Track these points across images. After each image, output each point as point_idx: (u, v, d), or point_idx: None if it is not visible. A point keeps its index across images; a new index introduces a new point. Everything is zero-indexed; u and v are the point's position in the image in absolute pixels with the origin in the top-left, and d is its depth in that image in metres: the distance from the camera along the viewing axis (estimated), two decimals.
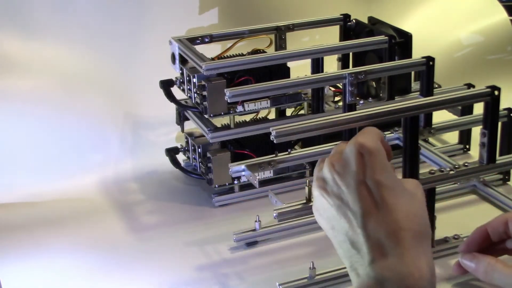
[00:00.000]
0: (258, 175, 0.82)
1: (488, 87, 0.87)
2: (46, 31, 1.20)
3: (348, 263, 0.60)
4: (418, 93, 1.02)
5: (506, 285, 0.63)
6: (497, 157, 0.90)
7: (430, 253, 0.59)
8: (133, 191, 1.06)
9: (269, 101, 1.00)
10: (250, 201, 1.01)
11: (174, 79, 1.04)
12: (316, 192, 0.64)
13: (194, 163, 1.04)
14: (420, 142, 0.93)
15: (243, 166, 0.83)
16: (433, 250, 0.84)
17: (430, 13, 1.46)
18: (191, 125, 1.06)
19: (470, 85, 1.12)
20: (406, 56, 1.07)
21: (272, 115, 1.08)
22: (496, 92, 0.86)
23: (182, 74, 1.03)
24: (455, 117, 1.09)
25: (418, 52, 1.05)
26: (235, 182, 1.01)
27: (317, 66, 1.05)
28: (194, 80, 0.98)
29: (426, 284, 0.56)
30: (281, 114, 1.08)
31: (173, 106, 1.06)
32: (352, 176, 0.60)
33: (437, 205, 0.87)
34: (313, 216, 0.90)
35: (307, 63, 1.07)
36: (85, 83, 1.20)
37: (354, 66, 1.13)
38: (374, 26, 1.13)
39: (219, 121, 1.00)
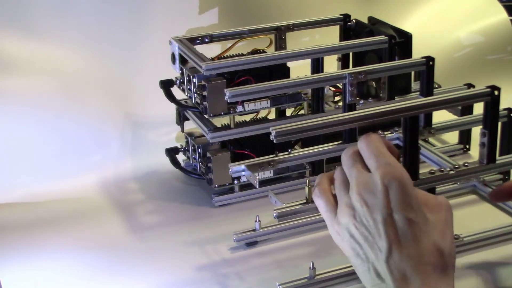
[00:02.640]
0: (258, 175, 0.82)
1: (488, 87, 0.87)
2: (46, 31, 1.20)
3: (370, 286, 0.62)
4: (418, 93, 1.02)
5: None
6: (497, 157, 0.90)
7: (452, 281, 0.60)
8: (133, 191, 1.06)
9: (269, 101, 1.00)
10: (250, 201, 1.01)
11: (174, 79, 1.04)
12: (344, 220, 0.64)
13: (194, 163, 1.04)
14: (420, 142, 0.93)
15: (243, 166, 0.83)
16: None
17: (430, 13, 1.46)
18: (191, 125, 1.06)
19: (470, 85, 1.12)
20: (406, 56, 1.07)
21: (272, 115, 1.08)
22: (496, 92, 0.86)
23: (182, 74, 1.03)
24: (455, 117, 1.09)
25: (418, 52, 1.05)
26: (235, 182, 1.01)
27: (317, 66, 1.05)
28: (194, 80, 0.98)
29: None
30: (281, 114, 1.08)
31: (173, 106, 1.06)
32: (380, 210, 0.61)
33: None
34: (313, 216, 0.91)
35: (307, 63, 1.06)
36: (85, 83, 1.20)
37: (354, 66, 1.13)
38: (374, 26, 1.13)
39: (219, 121, 1.00)
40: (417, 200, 0.62)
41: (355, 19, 1.15)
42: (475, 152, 1.04)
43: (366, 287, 0.63)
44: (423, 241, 0.60)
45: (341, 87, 0.98)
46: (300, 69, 1.10)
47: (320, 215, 0.87)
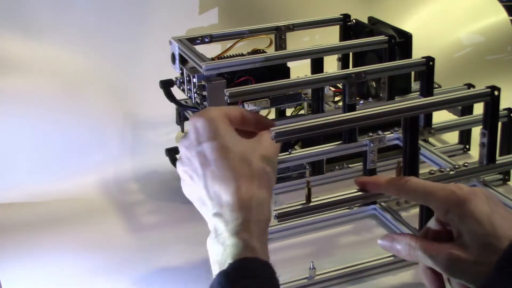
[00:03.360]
0: None
1: (488, 87, 0.87)
2: (46, 31, 1.20)
3: (207, 220, 0.67)
4: (418, 93, 1.02)
5: (432, 259, 0.64)
6: (497, 157, 0.90)
7: (265, 190, 0.66)
8: (133, 191, 1.06)
9: (269, 101, 1.00)
10: None
11: (174, 79, 1.04)
12: (179, 171, 0.71)
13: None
14: (420, 142, 0.93)
15: None
16: None
17: (430, 13, 1.46)
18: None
19: (470, 85, 1.12)
20: (406, 56, 1.07)
21: (272, 115, 1.08)
22: (496, 92, 0.86)
23: (182, 74, 1.03)
24: (455, 117, 1.09)
25: (418, 52, 1.05)
26: None
27: (317, 66, 1.05)
28: (194, 80, 0.98)
29: (251, 214, 0.64)
30: (281, 114, 1.08)
31: (173, 106, 1.06)
32: (193, 146, 0.69)
33: None
34: (313, 216, 0.91)
35: (307, 63, 1.07)
36: (85, 83, 1.20)
37: (354, 66, 1.13)
38: (374, 26, 1.13)
39: None
40: (226, 130, 0.68)
41: (355, 19, 1.15)
42: (475, 152, 1.04)
43: (205, 218, 0.68)
44: (230, 160, 0.66)
45: (341, 87, 0.98)
46: (300, 69, 1.10)
47: (320, 215, 0.88)
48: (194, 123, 0.69)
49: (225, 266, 0.60)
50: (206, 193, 0.67)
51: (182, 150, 0.70)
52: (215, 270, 0.62)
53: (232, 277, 0.59)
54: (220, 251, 0.62)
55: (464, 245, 0.62)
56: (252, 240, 0.62)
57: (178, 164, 0.71)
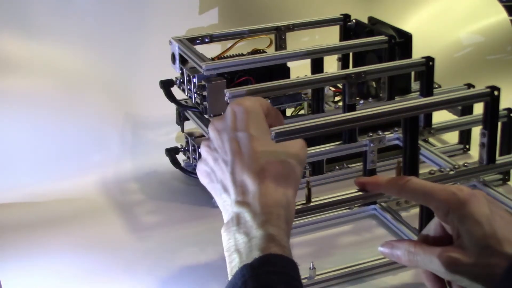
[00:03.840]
0: None
1: (488, 87, 0.87)
2: (46, 31, 1.20)
3: (222, 207, 0.67)
4: (418, 93, 1.02)
5: (431, 263, 0.64)
6: (497, 157, 0.90)
7: (292, 190, 0.66)
8: (133, 191, 1.06)
9: (269, 101, 1.00)
10: None
11: (174, 79, 1.04)
12: (203, 152, 0.70)
13: (194, 163, 1.04)
14: (420, 142, 0.93)
15: None
16: None
17: (430, 13, 1.46)
18: (191, 125, 1.06)
19: (470, 85, 1.12)
20: (406, 56, 1.07)
21: None
22: (496, 92, 0.86)
23: (182, 74, 1.03)
24: (455, 117, 1.09)
25: (418, 52, 1.05)
26: None
27: (317, 66, 1.05)
28: (194, 80, 0.98)
29: (280, 210, 0.63)
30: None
31: (173, 106, 1.06)
32: (226, 131, 0.68)
33: None
34: (313, 216, 0.91)
35: (307, 63, 1.07)
36: (85, 83, 1.20)
37: (354, 66, 1.13)
38: (374, 26, 1.13)
39: None
40: (263, 125, 0.69)
41: (355, 19, 1.15)
42: (475, 152, 1.04)
43: (221, 209, 0.68)
44: (263, 154, 0.66)
45: (341, 87, 0.98)
46: (300, 69, 1.10)
47: (320, 215, 0.87)
48: (234, 109, 0.69)
49: (249, 259, 0.59)
50: (231, 180, 0.66)
51: (213, 131, 0.69)
52: (234, 259, 0.61)
53: (257, 271, 0.58)
54: (243, 241, 0.61)
55: (463, 247, 0.62)
56: (281, 236, 0.62)
57: (204, 143, 0.70)
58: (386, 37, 1.05)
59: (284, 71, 1.03)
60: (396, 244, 0.68)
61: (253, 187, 0.64)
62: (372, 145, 0.90)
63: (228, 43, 1.08)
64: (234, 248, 0.62)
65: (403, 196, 0.75)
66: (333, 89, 1.08)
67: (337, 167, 1.06)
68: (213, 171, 0.68)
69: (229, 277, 0.60)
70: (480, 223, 0.62)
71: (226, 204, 0.66)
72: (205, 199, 1.02)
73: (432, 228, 0.67)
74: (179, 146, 1.09)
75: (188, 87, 1.01)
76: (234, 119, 0.68)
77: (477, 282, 0.61)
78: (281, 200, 0.64)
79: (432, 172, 0.87)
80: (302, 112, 1.06)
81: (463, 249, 0.62)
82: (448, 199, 0.64)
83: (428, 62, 0.98)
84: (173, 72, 1.05)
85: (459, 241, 0.63)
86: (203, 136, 1.02)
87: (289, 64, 1.03)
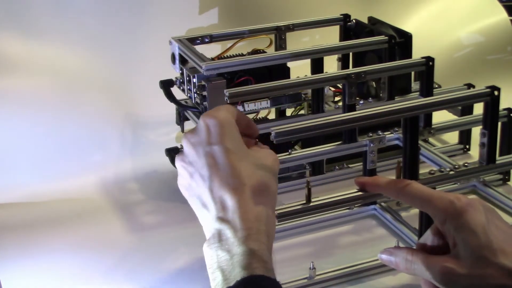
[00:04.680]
0: None
1: (488, 87, 0.87)
2: (46, 31, 1.20)
3: (202, 221, 0.66)
4: (418, 93, 1.02)
5: (428, 272, 0.64)
6: (497, 157, 0.90)
7: (270, 204, 0.65)
8: (133, 191, 1.06)
9: (269, 101, 1.00)
10: None
11: (174, 79, 1.04)
12: (178, 165, 0.69)
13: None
14: (420, 142, 0.93)
15: None
16: None
17: (430, 13, 1.46)
18: (191, 125, 1.06)
19: (470, 85, 1.12)
20: (406, 56, 1.07)
21: (272, 115, 1.08)
22: (495, 92, 0.86)
23: (182, 74, 1.03)
24: (455, 117, 1.09)
25: (418, 52, 1.05)
26: None
27: (317, 66, 1.05)
28: (194, 80, 0.98)
29: (261, 224, 0.63)
30: (281, 114, 1.08)
31: (173, 106, 1.06)
32: (201, 144, 0.66)
33: None
34: (313, 216, 0.91)
35: (307, 63, 1.07)
36: (85, 83, 1.20)
37: (354, 66, 1.13)
38: (374, 26, 1.13)
39: None
40: (238, 137, 0.67)
41: (355, 19, 1.15)
42: (475, 152, 1.04)
43: (201, 223, 0.67)
44: (241, 168, 0.65)
45: (341, 87, 0.98)
46: (300, 69, 1.10)
47: (320, 215, 0.87)
48: (206, 122, 0.67)
49: (232, 278, 0.59)
50: (210, 196, 0.65)
51: (187, 146, 0.68)
52: (217, 277, 0.60)
53: None
54: (225, 258, 0.61)
55: (459, 257, 0.62)
56: (262, 251, 0.61)
57: (178, 158, 0.69)
58: (386, 37, 1.05)
59: (284, 71, 1.03)
60: (395, 251, 0.68)
61: (232, 202, 0.63)
62: (372, 145, 0.90)
63: (228, 43, 1.08)
64: (216, 266, 0.61)
65: (401, 200, 0.74)
66: (333, 89, 1.08)
67: (337, 167, 1.06)
68: (190, 186, 0.67)
69: None
70: (476, 233, 0.62)
71: (206, 220, 0.65)
72: None
73: (430, 236, 0.68)
74: (179, 146, 1.09)
75: (188, 87, 1.01)
76: (208, 132, 0.66)
77: None
78: (261, 214, 0.63)
79: (432, 172, 0.87)
80: (302, 112, 1.06)
81: (458, 259, 0.62)
82: (445, 208, 0.64)
83: (428, 62, 0.98)
84: (173, 72, 1.05)
85: (455, 251, 0.63)
86: None
87: (289, 64, 1.03)
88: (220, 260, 0.61)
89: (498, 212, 0.66)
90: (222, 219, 0.63)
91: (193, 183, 0.67)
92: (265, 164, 0.67)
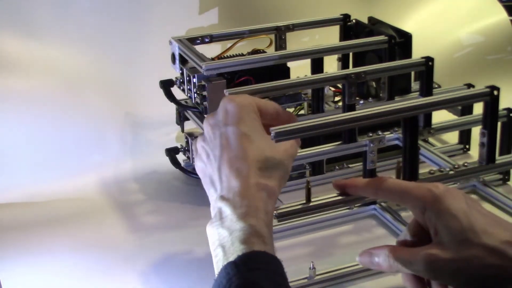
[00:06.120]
0: None
1: (487, 87, 0.87)
2: (46, 31, 1.20)
3: (211, 201, 0.68)
4: (418, 93, 1.02)
5: (412, 265, 0.64)
6: (497, 157, 0.90)
7: (276, 182, 0.67)
8: (133, 191, 1.07)
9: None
10: None
11: (174, 79, 1.04)
12: (198, 147, 0.72)
13: (194, 163, 1.04)
14: (420, 142, 0.93)
15: None
16: None
17: (430, 13, 1.46)
18: (191, 125, 1.06)
19: (470, 85, 1.12)
20: (406, 56, 1.07)
21: None
22: (495, 92, 0.86)
23: (182, 74, 1.03)
24: (455, 117, 1.09)
25: (418, 52, 1.05)
26: None
27: (317, 66, 1.05)
28: (194, 80, 0.98)
29: (259, 202, 0.64)
30: None
31: (173, 106, 1.06)
32: (218, 126, 0.69)
33: None
34: (313, 216, 0.91)
35: (307, 63, 1.07)
36: (85, 83, 1.20)
37: (354, 66, 1.13)
38: (374, 26, 1.13)
39: None
40: (254, 121, 0.69)
41: (355, 19, 1.15)
42: (475, 152, 1.04)
43: (210, 202, 0.68)
44: (251, 151, 0.67)
45: (341, 87, 0.98)
46: (300, 69, 1.10)
47: (320, 215, 0.87)
48: (225, 105, 0.70)
49: (232, 252, 0.60)
50: (217, 175, 0.67)
51: (206, 126, 0.70)
52: (218, 253, 0.62)
53: (241, 268, 0.59)
54: (225, 235, 0.62)
55: (441, 242, 0.62)
56: (260, 227, 0.62)
57: (198, 139, 0.71)
58: (386, 37, 1.05)
59: (284, 71, 1.03)
60: (375, 251, 0.68)
61: (236, 182, 0.65)
62: (372, 145, 0.90)
63: (228, 43, 1.08)
64: (218, 243, 0.63)
65: (380, 197, 0.75)
66: (333, 89, 1.08)
67: (337, 167, 1.06)
68: (205, 166, 0.70)
69: (216, 272, 0.61)
70: (457, 217, 0.62)
71: (212, 199, 0.68)
72: (205, 199, 1.01)
73: (408, 232, 0.67)
74: (179, 146, 1.09)
75: (188, 87, 1.01)
76: (226, 114, 0.69)
77: (457, 277, 0.61)
78: (262, 193, 0.65)
79: (432, 172, 0.87)
80: (302, 112, 1.06)
81: (441, 245, 0.62)
82: (423, 195, 0.64)
83: (428, 62, 0.98)
84: (173, 72, 1.05)
85: (437, 238, 0.63)
86: None
87: (289, 64, 1.03)
88: (221, 237, 0.63)
89: (498, 212, 0.66)
90: (224, 198, 0.65)
91: (208, 163, 0.69)
92: (278, 148, 0.69)
